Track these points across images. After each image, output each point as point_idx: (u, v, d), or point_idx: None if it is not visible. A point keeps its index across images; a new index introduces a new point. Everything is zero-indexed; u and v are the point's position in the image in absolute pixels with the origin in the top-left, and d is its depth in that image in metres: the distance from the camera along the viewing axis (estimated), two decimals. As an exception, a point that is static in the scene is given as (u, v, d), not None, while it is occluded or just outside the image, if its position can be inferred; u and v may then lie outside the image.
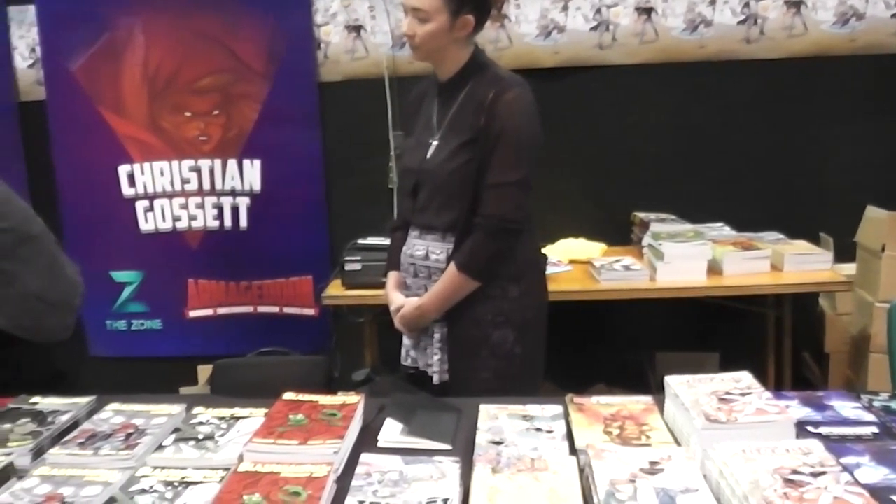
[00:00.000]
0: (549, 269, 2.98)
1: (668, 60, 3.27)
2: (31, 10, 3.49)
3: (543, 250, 3.15)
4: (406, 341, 2.24)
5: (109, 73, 3.47)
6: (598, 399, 1.63)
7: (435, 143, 2.09)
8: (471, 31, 2.04)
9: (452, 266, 2.03)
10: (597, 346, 3.38)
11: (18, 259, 2.13)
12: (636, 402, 1.61)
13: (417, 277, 2.14)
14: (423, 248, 2.12)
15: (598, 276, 2.92)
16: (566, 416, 1.60)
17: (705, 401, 1.43)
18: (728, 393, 1.47)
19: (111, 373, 2.72)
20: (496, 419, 1.58)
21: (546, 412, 1.62)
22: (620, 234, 3.38)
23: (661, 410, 1.58)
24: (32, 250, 2.18)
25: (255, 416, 1.63)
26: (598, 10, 3.25)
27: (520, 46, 3.30)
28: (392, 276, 2.24)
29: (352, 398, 1.65)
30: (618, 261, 3.01)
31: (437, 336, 2.13)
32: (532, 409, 1.64)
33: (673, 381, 1.54)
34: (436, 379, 2.13)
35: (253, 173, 3.49)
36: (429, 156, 2.09)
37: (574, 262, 3.15)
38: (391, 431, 1.57)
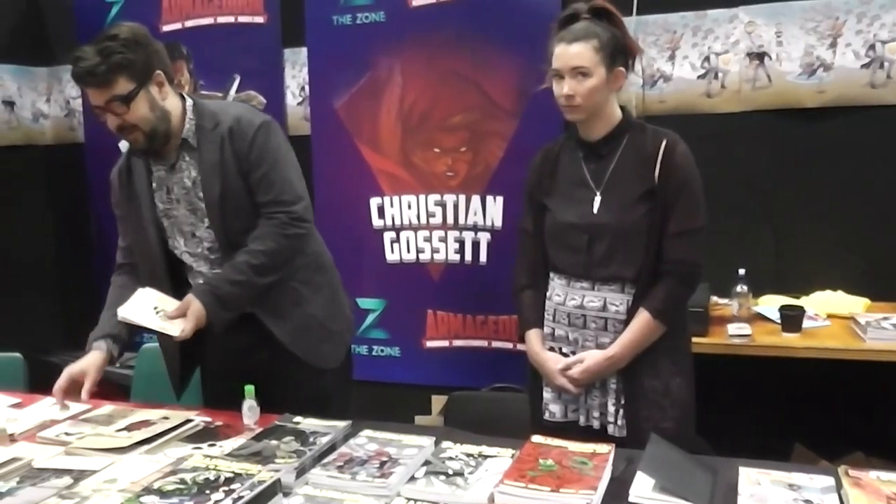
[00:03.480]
0: (806, 324, 2.79)
1: (953, 100, 2.96)
2: (303, 52, 3.77)
3: (797, 301, 2.97)
4: (547, 395, 2.19)
5: (368, 111, 3.67)
6: (878, 474, 1.48)
7: (598, 198, 2.09)
8: (623, 84, 2.10)
9: (646, 314, 2.02)
10: (854, 410, 3.09)
11: (311, 284, 2.28)
12: (923, 483, 1.45)
13: (587, 329, 2.11)
14: (600, 299, 2.09)
15: (862, 333, 2.67)
16: (838, 488, 1.47)
17: None
18: None
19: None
20: (758, 485, 1.48)
21: (815, 483, 1.49)
22: (887, 288, 3.07)
23: (955, 494, 1.40)
24: (323, 280, 2.34)
25: (501, 456, 1.64)
26: (872, 47, 3.00)
27: (780, 85, 3.12)
28: (537, 335, 2.21)
29: (602, 447, 1.61)
30: (886, 318, 2.73)
31: (614, 388, 2.09)
32: (799, 477, 1.52)
33: (971, 464, 1.37)
34: (613, 430, 2.07)
35: (495, 209, 3.54)
36: (595, 210, 2.09)
37: (833, 317, 2.92)
38: (643, 486, 1.50)
